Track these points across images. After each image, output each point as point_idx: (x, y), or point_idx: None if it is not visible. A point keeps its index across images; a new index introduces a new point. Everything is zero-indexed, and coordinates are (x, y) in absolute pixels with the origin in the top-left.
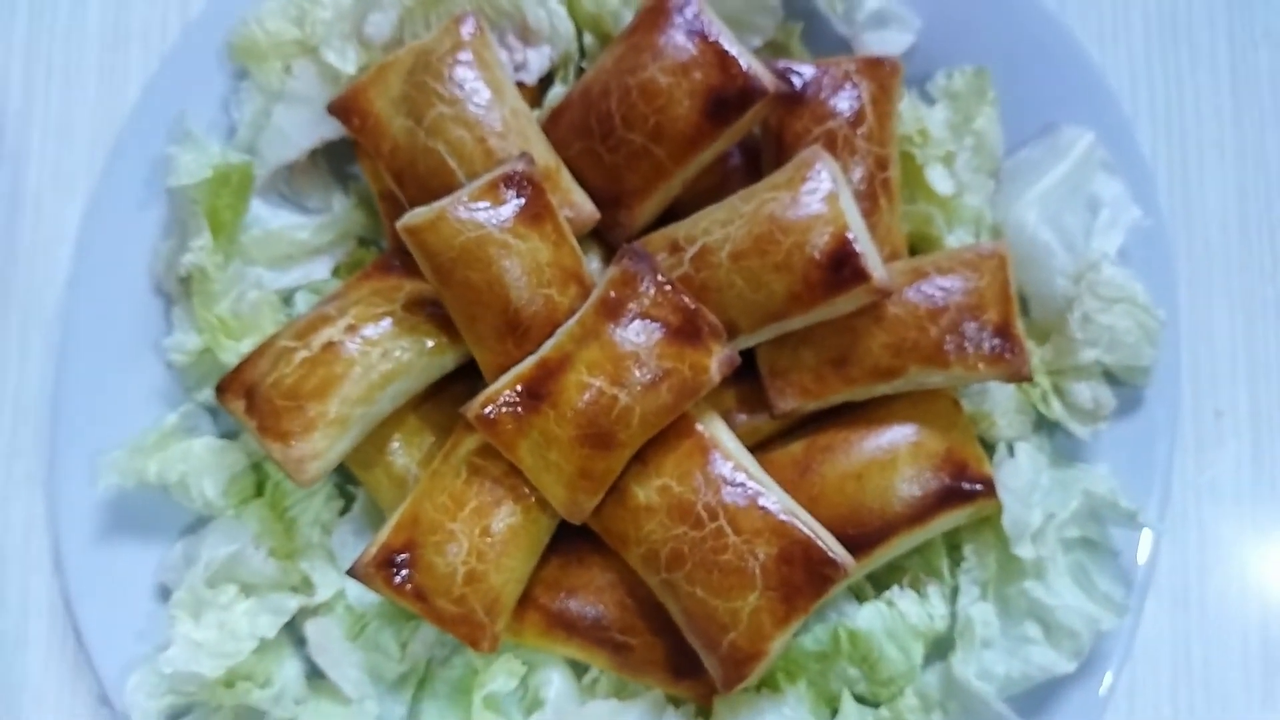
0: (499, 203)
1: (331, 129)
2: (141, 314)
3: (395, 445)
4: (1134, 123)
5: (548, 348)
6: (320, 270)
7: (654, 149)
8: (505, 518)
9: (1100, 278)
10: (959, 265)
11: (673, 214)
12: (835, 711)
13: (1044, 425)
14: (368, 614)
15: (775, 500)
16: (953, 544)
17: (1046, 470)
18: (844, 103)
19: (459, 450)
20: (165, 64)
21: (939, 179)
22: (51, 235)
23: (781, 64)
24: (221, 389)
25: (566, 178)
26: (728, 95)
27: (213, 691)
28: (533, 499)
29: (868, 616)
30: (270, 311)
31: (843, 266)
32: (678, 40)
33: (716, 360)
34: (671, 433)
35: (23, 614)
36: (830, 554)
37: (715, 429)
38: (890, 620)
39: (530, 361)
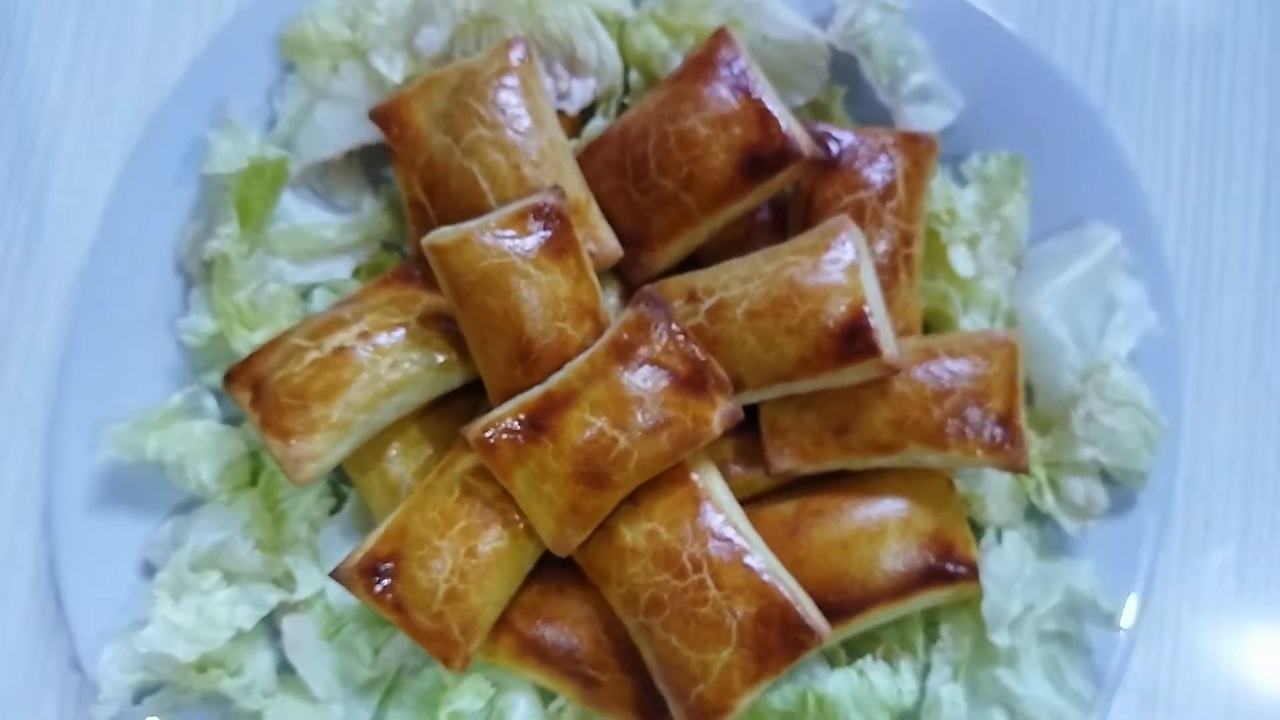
0: (525, 233)
1: (370, 133)
2: (160, 290)
3: (393, 453)
4: (1162, 227)
5: (555, 381)
6: (341, 269)
7: (684, 197)
8: (492, 541)
9: (1108, 379)
10: (970, 350)
11: (694, 260)
12: None
13: (1034, 515)
14: (345, 616)
15: (760, 560)
16: (930, 621)
17: (1032, 561)
18: (877, 174)
19: (454, 468)
20: (213, 45)
21: (961, 260)
22: (82, 198)
23: (821, 127)
24: (230, 377)
25: (595, 212)
26: (764, 154)
27: (184, 674)
28: (521, 526)
29: (837, 683)
30: (287, 305)
31: (855, 339)
32: (721, 93)
33: (719, 413)
34: (666, 479)
35: (6, 569)
36: (807, 620)
37: (710, 480)
38: (859, 689)
39: (536, 392)
